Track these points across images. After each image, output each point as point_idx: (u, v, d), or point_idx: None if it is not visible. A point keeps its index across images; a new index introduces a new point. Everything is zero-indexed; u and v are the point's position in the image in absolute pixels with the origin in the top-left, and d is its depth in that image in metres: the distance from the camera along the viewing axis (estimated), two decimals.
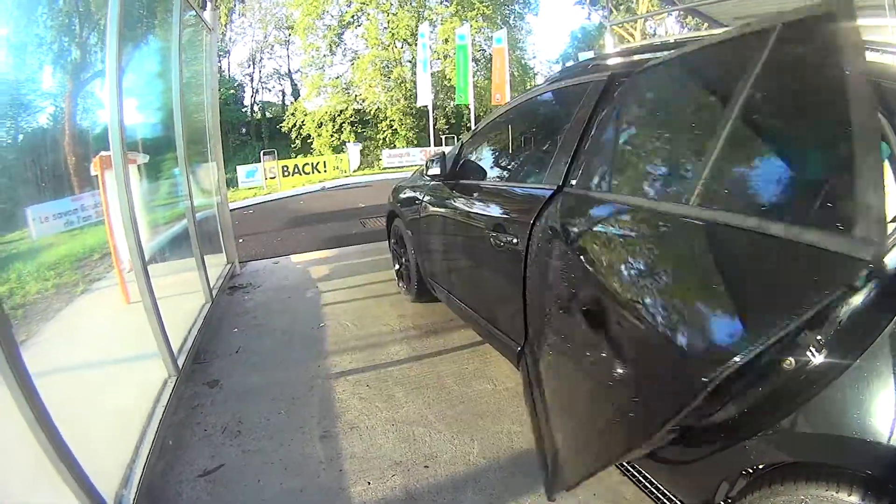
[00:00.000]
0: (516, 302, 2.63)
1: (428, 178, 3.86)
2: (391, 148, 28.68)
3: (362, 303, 4.98)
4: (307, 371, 3.69)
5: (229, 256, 6.35)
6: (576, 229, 2.25)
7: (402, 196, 4.61)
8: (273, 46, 38.89)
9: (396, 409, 3.16)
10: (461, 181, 3.57)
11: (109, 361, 3.62)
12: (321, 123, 31.83)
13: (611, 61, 2.64)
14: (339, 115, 31.71)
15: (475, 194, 3.33)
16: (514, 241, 2.59)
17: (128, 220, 3.03)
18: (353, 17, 32.24)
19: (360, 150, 26.70)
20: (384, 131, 31.34)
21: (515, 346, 2.76)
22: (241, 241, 8.20)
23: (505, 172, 3.40)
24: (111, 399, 3.12)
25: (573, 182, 2.39)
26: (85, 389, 3.16)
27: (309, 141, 32.34)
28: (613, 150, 2.35)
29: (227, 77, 37.03)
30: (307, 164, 22.59)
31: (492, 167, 3.53)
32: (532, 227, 2.48)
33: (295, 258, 6.97)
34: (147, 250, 4.36)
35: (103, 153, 3.82)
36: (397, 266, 5.09)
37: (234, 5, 35.52)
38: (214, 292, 4.99)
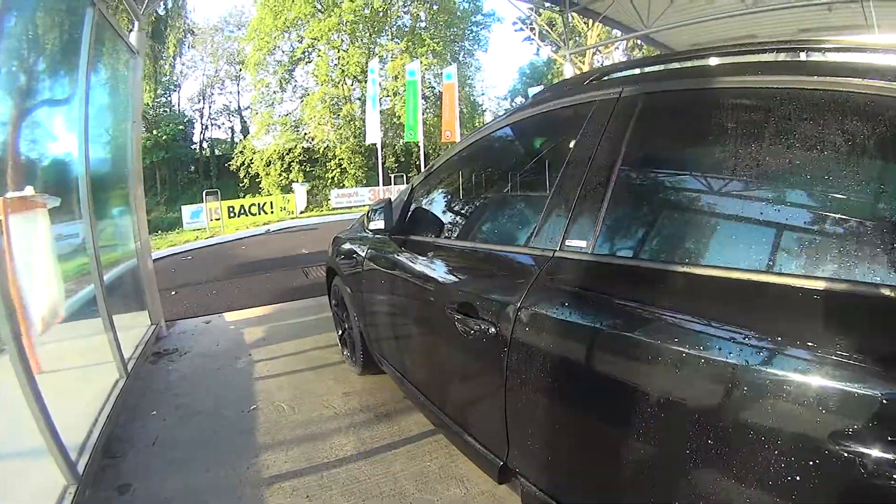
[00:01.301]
0: (495, 405, 1.94)
1: (370, 233, 3.19)
2: (340, 187, 28.15)
3: (301, 376, 4.24)
4: (235, 474, 2.94)
5: (154, 316, 5.50)
6: (587, 318, 1.61)
7: (343, 250, 3.90)
8: (224, 81, 38.62)
9: None
10: (412, 237, 2.89)
11: (4, 457, 2.92)
12: (269, 162, 31.25)
13: (618, 74, 2.03)
14: (287, 154, 31.18)
15: (430, 255, 2.65)
16: (491, 330, 1.91)
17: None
18: (303, 52, 32.22)
19: (308, 191, 26.12)
20: (333, 170, 30.83)
21: (497, 461, 2.04)
22: (173, 293, 7.52)
23: (471, 227, 2.73)
24: None
25: (576, 245, 1.75)
26: None
27: (257, 180, 31.64)
28: (635, 196, 1.79)
29: (177, 112, 36.59)
30: (253, 204, 21.95)
31: (453, 219, 2.86)
32: (518, 312, 1.81)
33: (229, 317, 6.18)
34: (63, 310, 3.66)
35: (10, 194, 3.12)
36: (340, 331, 4.38)
37: (185, 36, 34.95)
38: (132, 363, 4.20)
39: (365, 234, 3.46)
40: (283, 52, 32.69)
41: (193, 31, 36.25)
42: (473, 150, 2.82)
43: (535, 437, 1.80)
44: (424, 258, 2.68)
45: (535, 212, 2.08)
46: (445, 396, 2.57)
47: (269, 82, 32.91)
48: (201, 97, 38.51)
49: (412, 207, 3.02)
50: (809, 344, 1.08)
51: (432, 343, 2.61)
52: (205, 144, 39.24)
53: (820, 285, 1.14)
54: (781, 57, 1.55)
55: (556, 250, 1.82)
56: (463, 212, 2.88)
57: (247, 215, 20.89)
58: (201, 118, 38.79)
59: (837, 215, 1.23)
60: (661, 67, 1.85)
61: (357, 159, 30.55)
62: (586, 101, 2.00)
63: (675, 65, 1.83)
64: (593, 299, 1.65)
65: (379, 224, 2.95)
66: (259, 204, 22.11)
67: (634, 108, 1.78)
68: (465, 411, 2.37)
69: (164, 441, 3.35)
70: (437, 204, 2.99)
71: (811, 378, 1.04)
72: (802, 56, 1.52)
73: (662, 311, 1.40)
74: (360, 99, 31.18)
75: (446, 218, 2.88)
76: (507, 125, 2.65)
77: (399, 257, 2.90)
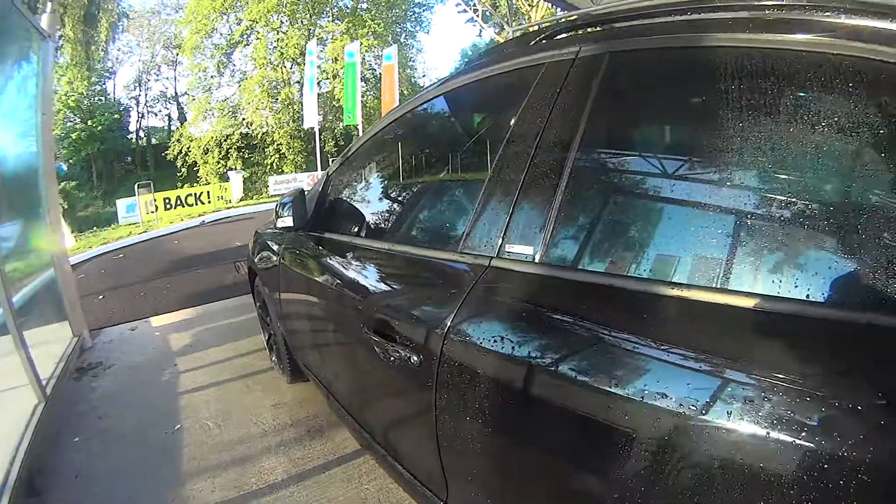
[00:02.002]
0: (428, 442, 1.59)
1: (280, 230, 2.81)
2: (279, 173, 27.45)
3: (228, 387, 3.88)
4: None
5: (76, 327, 4.99)
6: (530, 350, 1.24)
7: (260, 246, 3.52)
8: (160, 67, 37.27)
9: None
10: (326, 234, 2.51)
11: None
12: (207, 150, 30.29)
13: (572, 32, 1.64)
14: (225, 141, 30.26)
15: (347, 257, 2.27)
16: (413, 358, 1.57)
17: None
18: (242, 35, 31.22)
19: (247, 178, 25.48)
20: (272, 156, 30.10)
21: (436, 500, 1.70)
22: (101, 297, 7.11)
23: (392, 224, 2.35)
24: None
25: (519, 251, 1.39)
26: None
27: (195, 168, 30.68)
28: (598, 187, 1.42)
29: (113, 100, 35.19)
30: (190, 195, 21.14)
31: (370, 214, 2.47)
32: (444, 340, 1.45)
33: (155, 321, 5.75)
34: None
35: None
36: (266, 336, 4.00)
37: (119, 20, 33.46)
38: (53, 383, 3.75)
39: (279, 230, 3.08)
40: (221, 34, 31.72)
41: (128, 15, 34.69)
42: (394, 131, 2.42)
43: (474, 481, 1.49)
44: (340, 260, 2.32)
45: (467, 206, 1.74)
46: (375, 423, 2.19)
47: (207, 67, 31.95)
48: (137, 84, 37.21)
49: (327, 200, 2.65)
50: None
51: (354, 361, 2.22)
52: (141, 133, 37.98)
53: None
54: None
55: (492, 257, 1.46)
56: (382, 205, 2.53)
57: (183, 206, 20.12)
58: (137, 106, 37.52)
59: None
60: (636, 23, 1.45)
61: (296, 144, 29.89)
62: (532, 63, 1.60)
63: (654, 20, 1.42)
64: (539, 325, 1.29)
65: (286, 221, 2.56)
66: (196, 194, 21.30)
67: (597, 71, 1.40)
68: (397, 443, 2.02)
69: (87, 473, 3.01)
70: (353, 195, 2.62)
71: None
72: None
73: (628, 339, 1.09)
74: (298, 82, 30.41)
75: (363, 212, 2.51)
76: (434, 98, 2.22)
77: (313, 258, 2.55)
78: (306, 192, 2.71)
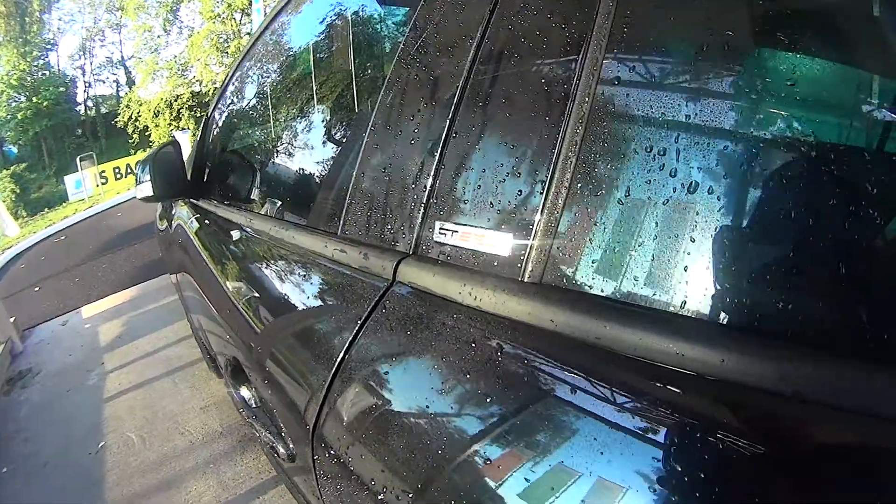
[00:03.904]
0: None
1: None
2: None
3: (155, 388, 3.32)
4: None
5: (1, 332, 4.30)
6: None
7: (159, 216, 2.90)
8: (104, 32, 35.35)
9: None
10: (201, 202, 1.80)
11: None
12: (158, 112, 28.98)
13: None
14: (176, 101, 29.05)
15: (213, 237, 1.60)
16: (280, 449, 0.97)
17: None
18: None
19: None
20: None
21: None
22: (37, 289, 6.73)
23: (259, 184, 1.61)
24: None
25: (472, 246, 0.63)
26: None
27: (147, 133, 29.42)
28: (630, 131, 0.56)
29: (58, 73, 33.28)
30: (139, 161, 20.23)
31: (238, 167, 1.78)
32: (314, 433, 0.77)
33: (86, 311, 5.12)
34: None
35: None
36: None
37: None
38: None
39: None
40: None
41: None
42: (264, 48, 1.66)
43: None
44: (204, 241, 1.66)
45: (351, 147, 1.02)
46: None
47: (152, 26, 30.63)
48: (82, 52, 35.33)
49: (204, 152, 1.95)
50: None
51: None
52: (90, 103, 36.32)
53: None
54: None
55: (404, 255, 0.72)
56: (249, 154, 1.79)
57: (135, 174, 19.32)
58: (84, 75, 35.72)
59: None
60: None
61: None
62: None
63: None
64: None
65: (146, 189, 1.78)
66: None
67: None
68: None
69: None
70: (224, 142, 1.93)
71: None
72: None
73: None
74: (248, 33, 29.16)
75: (231, 167, 1.83)
76: None
77: (186, 235, 1.88)
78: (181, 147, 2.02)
